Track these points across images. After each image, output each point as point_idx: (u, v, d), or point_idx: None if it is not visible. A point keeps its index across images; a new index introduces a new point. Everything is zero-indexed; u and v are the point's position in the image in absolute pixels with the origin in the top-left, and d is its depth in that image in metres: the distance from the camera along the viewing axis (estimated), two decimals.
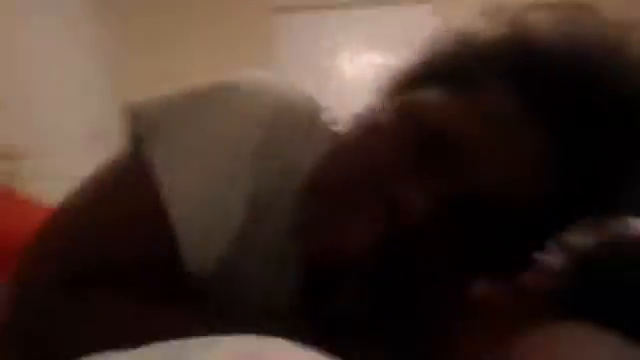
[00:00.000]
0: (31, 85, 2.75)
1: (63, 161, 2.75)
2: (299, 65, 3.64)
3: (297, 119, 0.44)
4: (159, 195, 0.40)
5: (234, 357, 0.25)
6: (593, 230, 0.40)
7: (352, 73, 3.60)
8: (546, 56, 0.38)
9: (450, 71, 0.42)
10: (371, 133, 0.42)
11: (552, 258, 0.40)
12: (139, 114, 0.43)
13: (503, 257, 0.39)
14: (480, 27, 0.43)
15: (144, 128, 0.42)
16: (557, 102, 0.37)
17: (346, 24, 3.62)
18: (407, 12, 3.48)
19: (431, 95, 0.41)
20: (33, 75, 2.77)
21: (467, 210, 0.37)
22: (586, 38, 0.39)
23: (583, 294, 0.38)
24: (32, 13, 2.77)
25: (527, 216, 0.38)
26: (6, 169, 2.45)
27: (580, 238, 0.40)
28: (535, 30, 0.40)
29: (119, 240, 0.41)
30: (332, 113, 0.51)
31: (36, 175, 2.56)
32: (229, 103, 0.43)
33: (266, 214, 0.42)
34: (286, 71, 3.60)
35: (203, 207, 0.40)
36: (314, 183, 0.42)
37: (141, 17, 3.56)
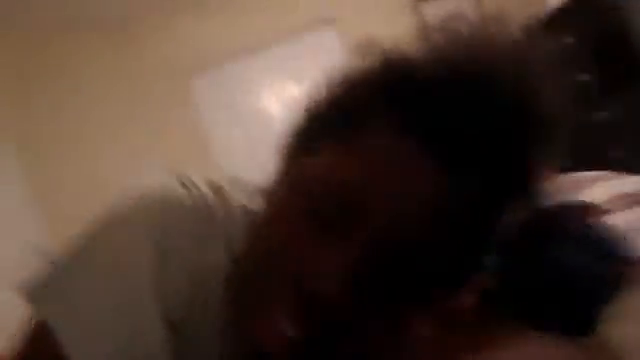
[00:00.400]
0: None
1: None
2: (225, 117, 3.63)
3: (187, 226, 0.42)
4: None
5: None
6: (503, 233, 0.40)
7: (279, 110, 3.62)
8: (421, 84, 0.38)
9: (336, 116, 0.41)
10: (271, 216, 0.41)
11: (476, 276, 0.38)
12: (33, 295, 0.42)
13: (427, 292, 0.38)
14: (356, 62, 0.42)
15: (41, 309, 0.41)
16: (438, 127, 0.36)
17: (259, 66, 3.65)
18: (313, 39, 3.54)
19: (316, 159, 0.40)
20: None
21: (378, 265, 0.37)
22: (458, 58, 0.38)
23: (514, 282, 0.38)
24: None
25: (439, 250, 0.37)
26: None
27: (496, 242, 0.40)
28: (410, 58, 0.39)
29: None
30: (249, 183, 0.50)
31: None
32: (111, 241, 0.42)
33: (191, 325, 0.42)
34: (214, 127, 3.58)
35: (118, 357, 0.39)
36: (229, 279, 0.42)
37: (42, 93, 3.39)
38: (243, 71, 3.64)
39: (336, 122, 0.40)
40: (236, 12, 3.55)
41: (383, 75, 0.40)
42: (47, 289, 0.42)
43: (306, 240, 0.37)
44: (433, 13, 3.14)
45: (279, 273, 0.37)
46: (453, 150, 0.36)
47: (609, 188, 0.51)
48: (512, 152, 0.37)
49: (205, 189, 0.44)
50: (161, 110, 3.48)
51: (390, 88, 0.39)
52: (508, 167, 0.37)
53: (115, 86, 3.48)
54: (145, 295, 0.40)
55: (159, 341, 0.40)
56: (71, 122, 3.41)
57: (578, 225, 0.36)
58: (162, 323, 0.40)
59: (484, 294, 0.38)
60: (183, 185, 0.44)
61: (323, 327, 0.36)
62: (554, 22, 2.41)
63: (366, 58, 0.42)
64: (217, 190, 0.45)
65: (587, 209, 0.38)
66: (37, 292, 0.42)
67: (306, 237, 0.37)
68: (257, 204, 0.47)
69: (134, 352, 0.39)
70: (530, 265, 0.36)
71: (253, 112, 3.66)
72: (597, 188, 0.50)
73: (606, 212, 0.40)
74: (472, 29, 0.40)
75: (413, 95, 0.37)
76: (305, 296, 0.36)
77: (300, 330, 0.36)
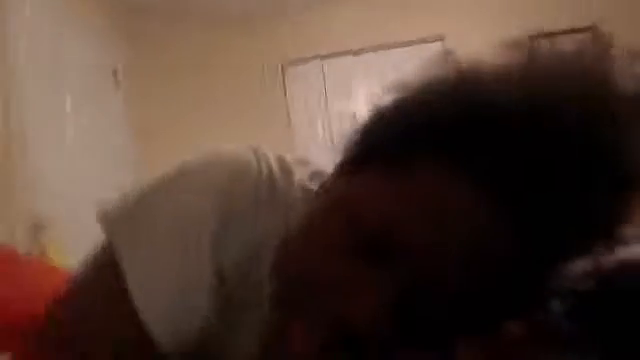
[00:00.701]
0: (63, 158, 2.85)
1: (89, 231, 2.80)
2: (313, 114, 3.68)
3: (251, 192, 0.43)
4: (129, 296, 0.42)
5: None
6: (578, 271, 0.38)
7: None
8: (494, 122, 0.34)
9: (392, 142, 0.39)
10: (312, 233, 0.40)
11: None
12: (105, 220, 0.45)
13: (474, 326, 0.36)
14: (427, 78, 0.40)
15: (111, 234, 0.45)
16: (504, 173, 0.34)
17: (360, 68, 3.67)
18: (419, 51, 3.51)
19: (367, 179, 0.39)
20: (65, 149, 2.88)
21: (425, 307, 0.35)
22: (540, 95, 0.35)
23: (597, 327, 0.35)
24: (66, 90, 2.90)
25: (491, 289, 0.35)
26: (36, 239, 2.54)
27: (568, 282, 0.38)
28: (485, 85, 0.36)
29: (96, 338, 0.42)
30: (313, 165, 0.51)
31: (63, 245, 2.63)
32: (178, 194, 0.44)
33: (239, 290, 0.44)
34: (302, 121, 3.65)
35: (168, 299, 0.42)
36: (273, 279, 0.42)
37: (162, 87, 3.68)
38: (342, 70, 3.68)
39: (391, 144, 0.38)
40: (356, 12, 3.59)
41: (454, 102, 0.37)
42: (121, 217, 0.45)
43: (346, 268, 0.36)
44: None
45: (317, 292, 0.37)
46: (520, 204, 0.34)
47: None
48: (598, 206, 0.35)
49: (274, 164, 0.46)
50: (254, 97, 3.61)
51: (459, 119, 0.36)
52: (581, 222, 0.35)
53: (228, 77, 3.65)
54: (205, 247, 0.41)
55: (209, 294, 0.41)
56: (183, 110, 3.63)
57: None
58: (215, 279, 0.42)
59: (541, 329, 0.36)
60: (254, 154, 0.45)
61: (357, 356, 0.35)
62: None
63: (444, 74, 0.39)
64: (284, 167, 0.46)
65: None
66: (111, 217, 0.45)
67: (346, 264, 0.36)
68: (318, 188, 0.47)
69: (187, 296, 0.41)
70: (612, 314, 0.33)
71: (343, 114, 3.68)
72: None
73: None
74: (565, 69, 0.37)
75: (480, 134, 0.35)
76: (341, 328, 0.35)
77: (331, 354, 0.36)
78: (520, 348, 0.35)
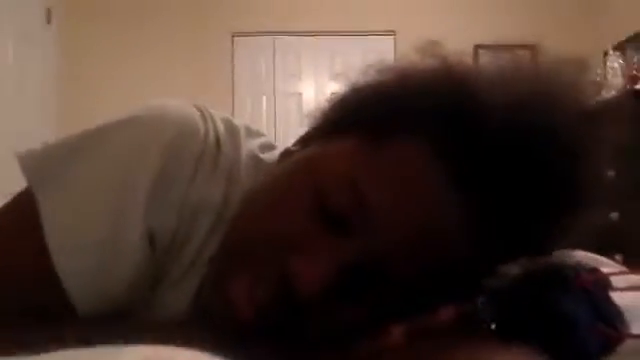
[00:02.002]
0: None
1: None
2: (258, 89, 3.64)
3: (195, 153, 0.41)
4: (46, 247, 0.38)
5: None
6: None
7: (310, 97, 3.63)
8: (475, 116, 0.36)
9: (373, 115, 0.39)
10: (279, 185, 0.41)
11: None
12: (29, 162, 0.42)
13: (409, 308, 0.37)
14: (417, 65, 0.41)
15: (32, 177, 0.41)
16: (478, 164, 0.36)
17: (309, 50, 3.66)
18: (370, 43, 3.55)
19: (341, 148, 0.39)
20: None
21: (368, 274, 0.36)
22: (524, 93, 0.37)
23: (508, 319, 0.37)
24: None
25: (431, 279, 0.37)
26: None
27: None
28: (473, 83, 0.38)
29: (5, 290, 0.39)
30: (264, 137, 0.49)
31: None
32: (120, 142, 0.41)
33: (170, 251, 0.42)
34: (244, 94, 3.59)
35: (90, 253, 0.39)
36: (226, 236, 0.41)
37: (98, 34, 3.48)
38: (291, 48, 3.65)
39: (372, 118, 0.39)
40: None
41: (442, 89, 0.38)
42: (46, 162, 0.41)
43: (305, 227, 0.37)
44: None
45: (271, 247, 0.37)
46: (487, 194, 0.35)
47: (613, 268, 0.52)
48: (547, 217, 0.37)
49: (221, 126, 0.44)
50: (199, 61, 3.50)
51: (440, 104, 0.37)
52: (536, 230, 0.37)
53: (174, 36, 3.51)
54: (138, 203, 0.39)
55: (137, 252, 0.39)
56: (118, 59, 3.46)
57: (583, 284, 0.37)
58: (144, 235, 0.39)
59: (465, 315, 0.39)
60: (202, 115, 0.43)
61: (294, 313, 0.36)
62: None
63: (428, 61, 0.41)
64: (232, 130, 0.45)
65: (595, 274, 0.39)
66: (35, 164, 0.41)
67: (306, 221, 0.37)
68: (268, 159, 0.46)
69: (111, 248, 0.38)
70: (525, 302, 0.36)
71: (287, 90, 3.67)
72: (606, 267, 0.51)
73: (610, 285, 0.40)
74: (546, 84, 0.39)
75: (463, 124, 0.36)
76: (287, 280, 0.35)
77: (272, 305, 0.36)
78: (445, 332, 0.36)
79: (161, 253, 0.41)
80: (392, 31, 3.59)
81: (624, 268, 0.60)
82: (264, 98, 3.65)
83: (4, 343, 0.30)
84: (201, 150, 0.41)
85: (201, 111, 0.44)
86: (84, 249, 0.38)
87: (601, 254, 0.64)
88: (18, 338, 0.30)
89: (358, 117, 0.40)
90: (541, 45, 0.43)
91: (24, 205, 0.40)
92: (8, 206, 0.43)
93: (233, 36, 3.61)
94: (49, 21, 3.28)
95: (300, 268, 0.35)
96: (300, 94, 3.67)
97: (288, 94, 3.66)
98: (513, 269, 0.40)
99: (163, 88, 3.26)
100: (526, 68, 0.41)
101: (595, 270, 0.39)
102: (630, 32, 3.16)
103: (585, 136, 0.38)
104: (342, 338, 0.37)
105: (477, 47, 2.84)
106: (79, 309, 0.38)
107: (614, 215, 2.21)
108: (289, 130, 3.30)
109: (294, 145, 0.45)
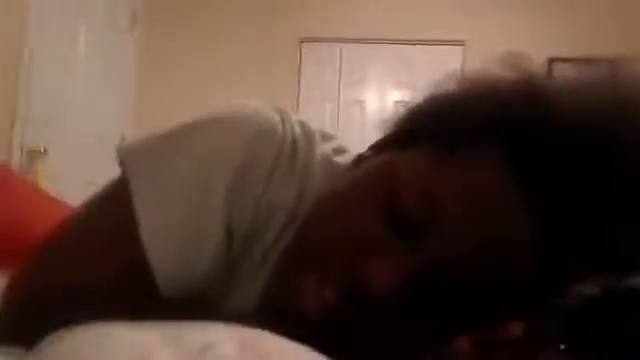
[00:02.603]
0: (68, 89, 2.85)
1: (83, 162, 2.84)
2: (323, 95, 3.68)
3: (273, 153, 0.43)
4: (138, 231, 0.42)
5: (232, 339, 0.25)
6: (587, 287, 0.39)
7: (375, 108, 3.63)
8: (551, 128, 0.36)
9: (449, 126, 0.40)
10: (350, 194, 0.41)
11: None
12: (126, 153, 0.45)
13: (478, 319, 0.37)
14: (495, 76, 0.41)
15: (128, 168, 0.44)
16: (552, 177, 0.35)
17: (375, 58, 3.66)
18: (437, 52, 3.51)
19: (416, 157, 0.40)
20: (72, 80, 2.88)
21: (436, 283, 0.37)
22: (608, 111, 0.36)
23: (581, 342, 0.36)
24: (81, 22, 2.89)
25: (501, 292, 0.36)
26: (32, 166, 2.58)
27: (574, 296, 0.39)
28: (553, 95, 0.38)
29: (97, 269, 0.43)
30: (337, 141, 0.51)
31: (55, 173, 2.64)
32: (205, 140, 0.44)
33: (245, 246, 0.44)
34: (310, 100, 3.64)
35: (177, 242, 0.42)
36: (297, 234, 0.43)
37: (176, 38, 3.66)
38: (357, 56, 3.67)
39: (449, 128, 0.39)
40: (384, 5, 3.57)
41: (519, 103, 0.38)
42: (140, 156, 0.44)
43: (376, 231, 0.37)
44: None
45: (341, 247, 0.38)
46: (562, 210, 0.35)
47: None
48: (625, 235, 0.36)
49: (298, 129, 0.45)
50: (267, 67, 3.61)
51: (521, 121, 0.37)
52: (613, 247, 0.36)
53: (245, 40, 3.65)
54: (218, 200, 0.41)
55: (217, 244, 0.42)
56: (193, 64, 3.64)
57: None
58: (223, 230, 0.42)
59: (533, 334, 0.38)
60: (281, 117, 0.45)
61: (362, 315, 0.36)
62: None
63: (508, 73, 0.40)
64: (308, 133, 0.46)
65: None
66: (131, 156, 0.44)
67: (377, 228, 0.37)
68: (341, 162, 0.47)
69: (194, 241, 0.41)
70: (603, 325, 0.35)
71: (351, 97, 3.69)
72: None
73: None
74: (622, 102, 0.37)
75: (546, 143, 0.36)
76: (356, 281, 0.36)
77: (339, 305, 0.36)
78: (513, 348, 0.36)
79: (237, 245, 0.43)
80: (461, 41, 3.52)
81: None
82: (328, 104, 3.68)
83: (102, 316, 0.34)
84: (278, 150, 0.43)
85: (280, 113, 0.46)
86: (171, 236, 0.42)
87: None
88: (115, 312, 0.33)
89: (435, 126, 0.41)
90: (621, 60, 0.41)
91: (120, 192, 0.44)
92: (105, 192, 0.47)
93: (301, 41, 3.68)
94: (134, 24, 3.49)
95: (371, 269, 0.36)
96: (363, 102, 3.68)
97: (351, 101, 3.67)
98: (588, 288, 0.39)
99: (233, 91, 3.38)
100: (606, 83, 0.40)
101: None
102: None
103: None
104: (407, 348, 0.38)
105: (551, 60, 2.74)
106: (162, 290, 0.41)
107: None
108: (351, 136, 3.32)
109: (368, 151, 0.47)
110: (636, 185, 0.36)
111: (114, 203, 0.45)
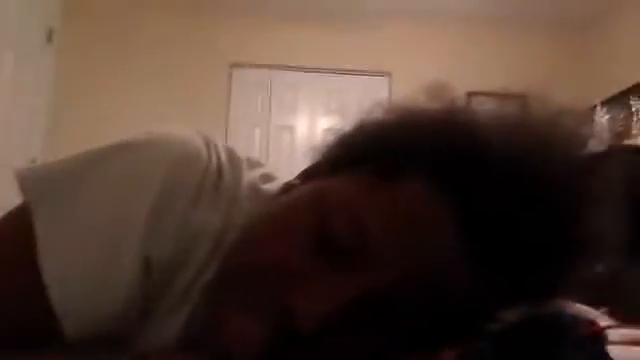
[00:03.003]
0: None
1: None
2: (253, 120, 3.67)
3: (197, 179, 0.41)
4: (39, 269, 0.38)
5: None
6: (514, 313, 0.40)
7: (305, 134, 3.66)
8: (479, 161, 0.37)
9: (379, 154, 0.40)
10: (279, 218, 0.40)
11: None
12: (28, 179, 0.41)
13: (409, 347, 0.37)
14: (422, 104, 0.42)
15: (30, 195, 0.40)
16: (480, 209, 0.36)
17: (305, 86, 3.71)
18: (366, 82, 3.62)
19: (346, 183, 0.39)
20: None
21: (370, 312, 0.36)
22: (527, 142, 0.38)
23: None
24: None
25: (433, 319, 0.36)
26: None
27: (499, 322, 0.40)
28: (477, 128, 0.39)
29: None
30: (264, 168, 0.49)
31: None
32: (121, 164, 0.41)
33: (165, 278, 0.41)
34: (239, 125, 3.62)
35: (84, 282, 0.38)
36: (223, 265, 0.40)
37: (96, 59, 3.51)
38: (287, 83, 3.70)
39: (379, 155, 0.39)
40: (315, 34, 3.63)
41: (447, 130, 0.39)
42: (45, 181, 0.40)
43: (306, 257, 0.36)
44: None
45: (270, 281, 0.36)
46: (491, 241, 0.36)
47: (605, 321, 0.52)
48: (549, 264, 0.37)
49: (223, 155, 0.44)
50: (201, 94, 3.54)
51: (449, 147, 0.38)
52: (538, 279, 0.37)
53: (172, 63, 3.56)
54: (135, 230, 0.38)
55: (130, 282, 0.38)
56: (112, 81, 3.48)
57: (584, 334, 0.37)
58: (140, 263, 0.38)
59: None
60: (206, 143, 0.43)
61: (293, 347, 0.35)
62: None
63: (433, 102, 0.41)
64: (234, 160, 0.45)
65: (594, 326, 0.38)
66: (34, 184, 0.40)
67: (307, 254, 0.36)
68: (268, 190, 0.46)
69: (105, 277, 0.38)
70: (528, 350, 0.36)
71: (281, 123, 3.70)
72: (604, 321, 0.51)
73: (607, 338, 0.40)
74: (544, 125, 0.39)
75: (471, 168, 0.36)
76: (285, 317, 0.35)
77: (268, 342, 0.35)
78: None
79: (156, 279, 0.40)
80: (388, 72, 3.67)
81: (615, 321, 0.60)
82: (257, 130, 3.67)
83: None
84: (202, 175, 0.41)
85: (205, 139, 0.44)
86: (78, 277, 0.38)
87: (589, 306, 0.64)
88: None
89: (365, 153, 0.40)
90: (532, 95, 0.44)
91: (21, 225, 0.39)
92: (4, 222, 0.42)
93: (231, 66, 3.65)
94: (49, 40, 3.30)
95: (299, 303, 0.34)
96: (293, 127, 3.70)
97: (281, 127, 3.69)
98: (513, 315, 0.40)
99: (158, 114, 3.27)
100: (529, 116, 0.42)
101: (593, 322, 0.39)
102: (616, 90, 3.26)
103: (585, 188, 0.38)
104: None
105: (470, 94, 2.91)
106: (68, 334, 0.37)
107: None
108: (280, 163, 3.31)
109: (296, 178, 0.45)
110: (557, 226, 0.37)
111: (14, 236, 0.40)
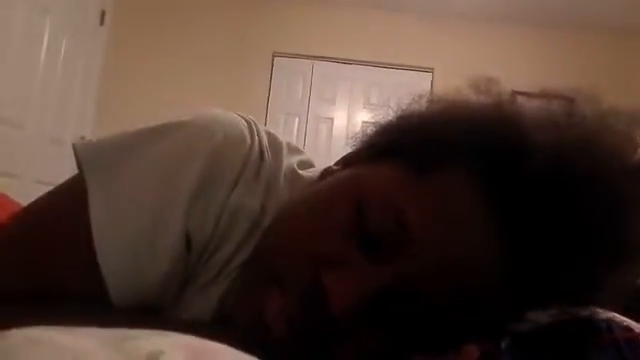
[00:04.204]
0: (28, 84, 2.74)
1: (39, 164, 2.73)
2: (292, 109, 3.68)
3: (239, 162, 0.42)
4: (91, 235, 0.39)
5: (183, 348, 0.23)
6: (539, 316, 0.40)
7: (343, 126, 3.65)
8: (524, 157, 0.36)
9: (421, 145, 0.39)
10: (315, 206, 0.40)
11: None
12: (84, 151, 0.43)
13: (439, 341, 0.37)
14: (468, 99, 0.41)
15: (86, 166, 0.42)
16: (521, 207, 0.35)
17: (346, 78, 3.69)
18: (407, 76, 3.57)
19: (386, 172, 0.39)
20: (35, 75, 2.77)
21: (400, 302, 0.36)
22: (573, 141, 0.37)
23: None
24: (48, 17, 2.81)
25: (463, 315, 0.36)
26: None
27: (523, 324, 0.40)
28: (526, 127, 0.38)
29: (47, 271, 0.40)
30: (304, 154, 0.50)
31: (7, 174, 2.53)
32: (170, 144, 0.42)
33: (204, 254, 0.42)
34: (279, 114, 3.64)
35: (130, 251, 0.39)
36: (259, 246, 0.42)
37: (145, 43, 3.59)
38: (329, 74, 3.70)
39: (419, 146, 0.39)
40: (359, 27, 3.61)
41: (492, 125, 0.38)
42: (101, 155, 0.42)
43: (341, 245, 0.37)
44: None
45: (306, 261, 0.37)
46: (528, 239, 0.35)
47: None
48: (585, 267, 0.36)
49: (265, 139, 0.45)
50: (244, 80, 3.58)
51: (492, 142, 0.37)
52: (569, 279, 0.37)
53: (218, 49, 3.62)
54: (180, 206, 0.39)
55: (173, 252, 0.39)
56: (161, 68, 3.57)
57: (616, 340, 0.36)
58: (182, 238, 0.40)
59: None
60: (249, 127, 0.44)
61: (324, 330, 0.36)
62: None
63: (479, 96, 0.41)
64: (275, 145, 0.46)
65: (629, 332, 0.38)
66: (90, 155, 0.42)
67: (343, 240, 0.37)
68: (307, 175, 0.47)
69: (150, 249, 0.39)
70: (554, 352, 0.35)
71: (320, 114, 3.70)
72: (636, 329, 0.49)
73: None
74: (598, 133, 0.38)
75: (513, 165, 0.36)
76: (320, 297, 0.35)
77: (300, 322, 0.36)
78: None
79: (195, 255, 0.41)
80: (430, 68, 3.61)
81: None
82: (297, 119, 3.69)
83: (43, 320, 0.31)
84: (245, 159, 0.42)
85: (248, 123, 0.45)
86: (125, 244, 0.39)
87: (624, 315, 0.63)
88: (55, 316, 0.31)
89: (405, 144, 0.40)
90: (581, 95, 0.42)
91: (76, 193, 0.41)
92: (60, 190, 0.45)
93: (274, 55, 3.68)
94: (102, 23, 3.40)
95: (335, 285, 0.35)
96: (332, 119, 3.70)
97: (320, 118, 3.69)
98: (542, 317, 0.39)
99: (200, 100, 3.33)
100: (577, 115, 0.41)
101: (629, 329, 0.38)
102: None
103: (631, 191, 0.37)
104: None
105: (515, 93, 2.83)
106: (114, 300, 0.39)
107: None
108: (317, 154, 3.32)
109: (335, 164, 0.46)
110: (598, 229, 0.36)
111: (68, 203, 0.42)
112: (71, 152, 0.43)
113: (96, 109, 3.43)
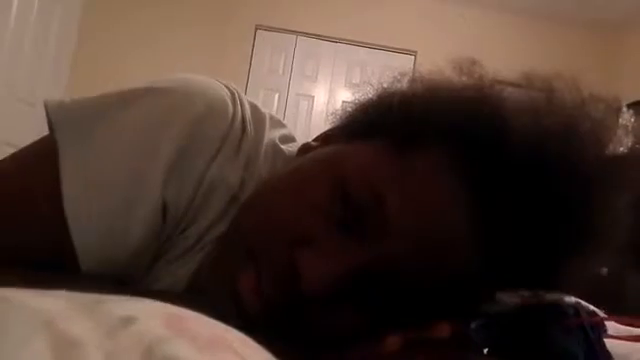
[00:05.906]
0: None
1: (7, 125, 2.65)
2: (272, 85, 3.64)
3: (221, 133, 0.41)
4: (61, 202, 0.38)
5: (158, 315, 0.22)
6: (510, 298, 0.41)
7: (323, 105, 3.63)
8: (503, 142, 0.36)
9: (402, 124, 0.39)
10: (294, 181, 0.40)
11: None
12: (57, 109, 0.41)
13: (410, 318, 0.37)
14: (450, 80, 0.41)
15: (59, 126, 0.40)
16: (498, 191, 0.36)
17: (329, 55, 3.66)
18: (390, 58, 3.56)
19: (366, 151, 0.39)
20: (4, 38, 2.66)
21: (376, 280, 0.36)
22: (550, 126, 0.37)
23: (503, 347, 0.38)
24: None
25: (436, 290, 0.37)
26: None
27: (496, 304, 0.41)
28: (507, 110, 0.38)
29: (12, 238, 0.39)
30: (286, 129, 0.49)
31: None
32: (152, 108, 0.40)
33: (180, 225, 0.41)
34: (258, 89, 3.59)
35: (103, 215, 0.38)
36: (236, 220, 0.41)
37: (123, 10, 3.47)
38: (311, 51, 3.65)
39: (399, 125, 0.39)
40: (344, 4, 3.56)
41: (472, 105, 0.38)
42: (74, 115, 0.40)
43: (320, 219, 0.36)
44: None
45: (282, 237, 0.36)
46: (503, 221, 0.35)
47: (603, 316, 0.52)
48: (557, 253, 0.37)
49: (248, 110, 0.44)
50: (225, 52, 3.50)
51: (473, 122, 0.37)
52: (543, 265, 0.37)
53: (199, 18, 3.52)
54: (157, 174, 0.38)
55: (148, 220, 0.38)
56: (140, 35, 3.45)
57: (582, 323, 0.37)
58: (158, 207, 0.39)
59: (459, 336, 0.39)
60: (232, 96, 0.43)
61: (298, 306, 0.36)
62: None
63: (461, 77, 0.41)
64: (258, 117, 0.45)
65: (594, 317, 0.39)
66: (63, 114, 0.40)
67: (321, 216, 0.36)
68: (288, 150, 0.46)
69: (124, 215, 0.38)
70: (524, 333, 0.36)
71: (300, 91, 3.67)
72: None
73: (606, 330, 0.41)
74: (574, 114, 0.39)
75: (492, 147, 0.36)
76: (295, 274, 0.35)
77: (277, 298, 0.35)
78: (439, 348, 0.36)
79: (170, 226, 0.40)
80: (414, 51, 3.60)
81: (613, 318, 0.60)
82: (277, 95, 3.65)
83: (10, 276, 0.30)
84: (227, 130, 0.41)
85: (232, 93, 0.43)
86: (98, 210, 0.38)
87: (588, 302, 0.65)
88: (24, 276, 0.30)
89: (385, 122, 0.40)
90: (561, 82, 0.43)
91: (46, 155, 0.39)
92: (30, 149, 0.43)
93: (257, 28, 3.61)
94: None
95: (309, 262, 0.35)
96: (312, 97, 3.67)
97: (301, 95, 3.66)
98: (513, 298, 0.40)
99: (179, 63, 3.25)
100: (557, 102, 0.41)
101: (594, 313, 0.39)
102: None
103: (603, 180, 0.38)
104: (341, 340, 0.37)
105: (495, 81, 2.86)
106: (82, 266, 0.38)
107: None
108: (296, 131, 3.29)
109: (314, 140, 0.45)
110: (569, 214, 0.36)
111: (38, 161, 0.40)
112: (43, 114, 0.41)
113: (70, 69, 3.32)
